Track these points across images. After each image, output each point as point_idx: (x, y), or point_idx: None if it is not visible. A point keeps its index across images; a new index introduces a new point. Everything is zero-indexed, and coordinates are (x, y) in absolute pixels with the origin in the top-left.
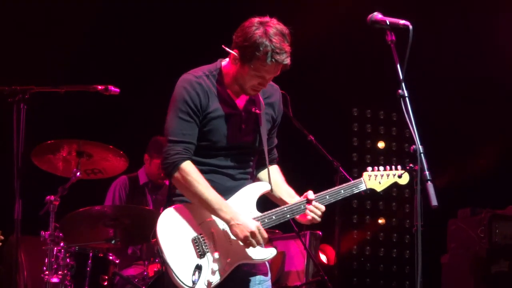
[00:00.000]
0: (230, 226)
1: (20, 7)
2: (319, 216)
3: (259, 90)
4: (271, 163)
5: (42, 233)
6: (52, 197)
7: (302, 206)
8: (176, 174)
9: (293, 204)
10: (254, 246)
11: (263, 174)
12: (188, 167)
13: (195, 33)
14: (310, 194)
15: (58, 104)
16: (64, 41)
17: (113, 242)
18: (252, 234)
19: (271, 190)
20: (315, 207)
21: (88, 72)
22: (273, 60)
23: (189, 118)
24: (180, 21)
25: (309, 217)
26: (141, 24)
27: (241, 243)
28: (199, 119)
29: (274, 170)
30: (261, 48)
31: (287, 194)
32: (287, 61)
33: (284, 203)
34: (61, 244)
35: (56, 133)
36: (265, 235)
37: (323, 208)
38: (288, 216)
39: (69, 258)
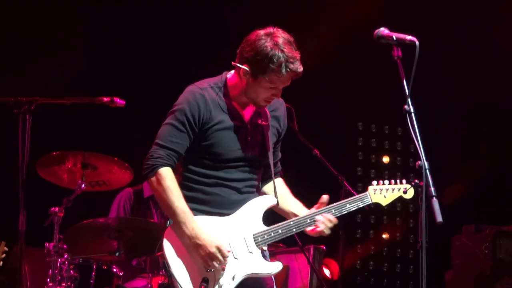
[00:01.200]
0: (191, 244)
1: (26, 18)
2: (330, 228)
3: (271, 101)
4: (275, 176)
5: (46, 244)
6: (57, 209)
7: (308, 220)
8: (153, 178)
9: (300, 218)
10: (213, 267)
11: (268, 187)
12: (165, 172)
13: (202, 45)
14: (324, 197)
15: (64, 115)
16: (70, 53)
17: (117, 254)
18: (210, 254)
19: (278, 203)
20: (326, 219)
21: (93, 83)
22: (288, 69)
23: (182, 128)
24: (186, 33)
25: (318, 229)
26: (147, 36)
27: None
28: (194, 132)
29: (279, 183)
30: (274, 60)
31: (297, 206)
32: (301, 68)
33: (294, 215)
34: (65, 255)
35: (61, 145)
36: (226, 255)
37: (334, 220)
38: (294, 230)
39: (73, 270)
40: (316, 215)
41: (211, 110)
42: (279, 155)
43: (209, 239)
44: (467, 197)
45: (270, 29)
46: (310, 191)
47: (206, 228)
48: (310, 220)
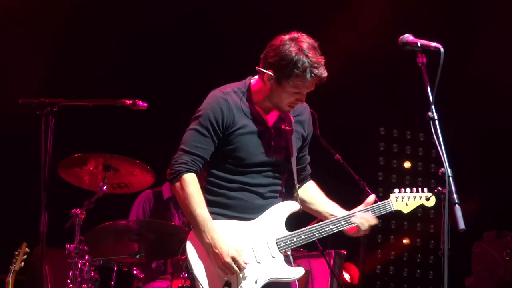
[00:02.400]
0: (210, 252)
1: (51, 22)
2: (369, 225)
3: (295, 106)
4: (306, 179)
5: (67, 246)
6: (78, 210)
7: (331, 226)
8: (177, 183)
9: (323, 224)
10: (230, 274)
11: (303, 191)
12: (189, 179)
13: (225, 49)
14: (371, 198)
15: (86, 117)
16: (94, 55)
17: (137, 256)
18: (226, 264)
19: (300, 209)
20: (364, 219)
21: (116, 86)
22: (312, 74)
23: (206, 133)
24: (209, 37)
25: (360, 223)
26: (171, 39)
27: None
28: (218, 137)
29: (312, 186)
30: (299, 65)
31: (333, 207)
32: (325, 73)
33: (332, 216)
34: (86, 257)
35: (84, 147)
36: (242, 266)
37: (373, 219)
38: (316, 235)
39: (94, 272)
40: (341, 220)
41: (234, 115)
42: (308, 158)
43: (226, 249)
44: (489, 203)
45: (295, 34)
46: (331, 196)
47: (228, 233)
48: (332, 226)
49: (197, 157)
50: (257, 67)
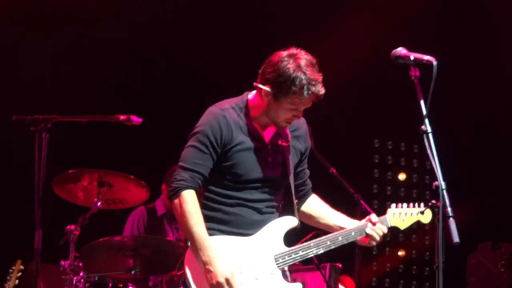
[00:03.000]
0: (204, 270)
1: (43, 36)
2: (380, 236)
3: (292, 122)
4: (308, 194)
5: (62, 262)
6: (73, 227)
7: (328, 242)
8: (176, 200)
9: (320, 240)
10: None
11: (306, 206)
12: (188, 196)
13: (218, 64)
14: (373, 217)
15: (80, 133)
16: (87, 71)
17: (132, 272)
18: (218, 284)
19: (299, 225)
20: (377, 229)
21: (110, 101)
22: (310, 92)
23: (205, 150)
24: (202, 51)
25: (371, 241)
26: (163, 55)
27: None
28: (217, 153)
29: (315, 201)
30: (297, 82)
31: (342, 219)
32: (323, 91)
33: (341, 228)
34: (81, 273)
35: (78, 163)
36: (235, 286)
37: (384, 229)
38: (314, 251)
39: None
40: (341, 235)
41: (233, 131)
42: (307, 172)
43: (221, 269)
44: (483, 214)
45: (293, 50)
46: None
47: (226, 249)
48: (330, 242)
49: (196, 174)
50: (254, 83)
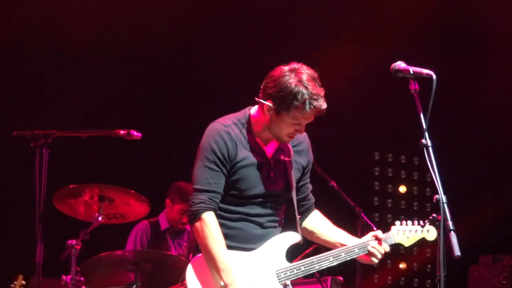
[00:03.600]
0: None
1: (42, 51)
2: (382, 255)
3: (294, 136)
4: (310, 208)
5: (63, 277)
6: (74, 241)
7: (331, 258)
8: (197, 224)
9: (322, 256)
10: None
11: (308, 222)
12: (209, 218)
13: (218, 78)
14: (379, 233)
15: (80, 148)
16: (87, 86)
17: (134, 287)
18: None
19: (301, 241)
20: (379, 247)
21: (110, 116)
22: (312, 106)
23: (216, 168)
24: (201, 66)
25: (372, 258)
26: (163, 69)
27: None
28: (226, 169)
29: (317, 217)
30: (298, 97)
31: (342, 236)
32: (325, 105)
33: (342, 245)
34: None
35: (78, 178)
36: None
37: (387, 248)
38: (316, 267)
39: None
40: (344, 251)
41: (237, 147)
42: (309, 187)
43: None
44: (484, 227)
45: (294, 65)
46: None
47: (230, 263)
48: (333, 258)
49: (213, 194)
50: (256, 98)
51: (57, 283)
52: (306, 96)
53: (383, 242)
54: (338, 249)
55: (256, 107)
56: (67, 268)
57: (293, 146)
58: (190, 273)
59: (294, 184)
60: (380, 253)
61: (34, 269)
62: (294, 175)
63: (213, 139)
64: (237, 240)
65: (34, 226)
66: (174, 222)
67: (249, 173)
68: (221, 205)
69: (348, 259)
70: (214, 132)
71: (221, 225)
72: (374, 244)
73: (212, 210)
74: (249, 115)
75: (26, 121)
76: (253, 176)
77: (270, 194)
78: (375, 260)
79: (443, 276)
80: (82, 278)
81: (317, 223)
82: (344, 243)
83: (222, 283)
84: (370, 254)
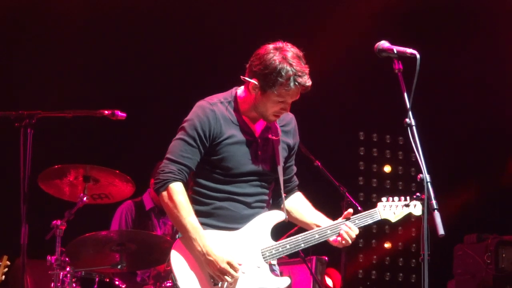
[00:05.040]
0: (203, 260)
1: (27, 31)
2: (352, 239)
3: (280, 115)
4: (293, 190)
5: (48, 257)
6: (59, 222)
7: (317, 235)
8: (164, 192)
9: (307, 233)
10: (225, 281)
11: (289, 202)
12: (176, 187)
13: (204, 59)
14: (350, 212)
15: (65, 129)
16: (71, 66)
17: (119, 267)
18: (222, 270)
19: (286, 219)
20: (349, 229)
21: (95, 96)
22: (296, 83)
23: (193, 143)
24: (188, 47)
25: (343, 241)
26: (149, 49)
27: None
28: (205, 147)
29: (299, 198)
30: (283, 73)
31: (319, 217)
32: (309, 82)
33: (317, 226)
34: (67, 268)
35: (63, 158)
36: (237, 269)
37: (356, 230)
38: (302, 245)
39: (75, 283)
40: (328, 229)
41: (222, 125)
42: (294, 169)
43: (220, 255)
44: (469, 206)
45: (279, 44)
46: (311, 202)
47: (215, 243)
48: (318, 235)
49: (184, 167)
50: (241, 76)
51: (42, 263)
52: (291, 73)
53: (352, 226)
54: (324, 227)
55: (242, 87)
56: (52, 248)
57: (281, 126)
58: (175, 256)
59: (281, 163)
60: (350, 237)
61: (19, 249)
62: (282, 154)
63: (196, 116)
64: (223, 220)
65: (19, 206)
66: (158, 201)
67: (236, 151)
68: (207, 184)
69: (334, 237)
70: (198, 109)
71: (207, 204)
72: (345, 228)
73: (180, 181)
74: (236, 94)
75: (10, 101)
76: (241, 154)
77: (258, 172)
78: (344, 242)
79: (426, 255)
80: (67, 259)
81: (296, 203)
82: (319, 225)
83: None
84: (340, 235)
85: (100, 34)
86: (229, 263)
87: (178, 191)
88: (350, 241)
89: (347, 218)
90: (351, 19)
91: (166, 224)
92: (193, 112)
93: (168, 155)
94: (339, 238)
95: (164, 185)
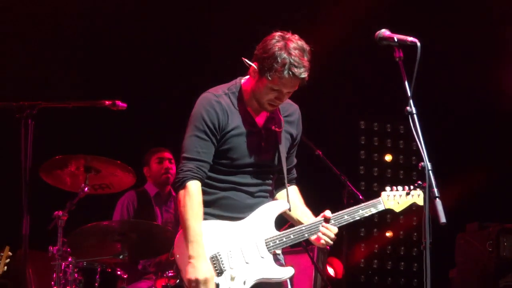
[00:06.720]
0: (187, 262)
1: (28, 22)
2: (332, 239)
3: (276, 105)
4: (290, 183)
5: (50, 248)
6: (60, 212)
7: (321, 227)
8: (181, 192)
9: (311, 224)
10: None
11: (281, 194)
12: (193, 188)
13: (206, 49)
14: (328, 213)
15: (66, 119)
16: (73, 56)
17: (121, 257)
18: (197, 281)
19: (290, 209)
20: (327, 229)
21: (96, 87)
22: (290, 72)
23: (205, 137)
24: (190, 37)
25: (322, 241)
26: (151, 41)
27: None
28: (216, 139)
29: (293, 191)
30: (279, 60)
31: (304, 215)
32: (304, 75)
33: (301, 224)
34: (69, 259)
35: (64, 149)
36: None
37: (335, 230)
38: (306, 235)
39: (77, 273)
40: (325, 221)
41: (228, 116)
42: (294, 160)
43: (204, 268)
44: (471, 194)
45: (287, 34)
46: (313, 192)
47: (216, 234)
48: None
49: (201, 163)
50: (243, 58)
51: (44, 254)
52: (286, 61)
53: (331, 225)
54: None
55: (247, 76)
56: (54, 239)
57: (285, 117)
58: (179, 246)
59: (284, 154)
60: (329, 237)
61: (21, 240)
62: (285, 144)
63: (203, 109)
64: (227, 210)
65: (21, 197)
66: (160, 180)
67: (240, 142)
68: (212, 174)
69: (307, 237)
70: (204, 102)
71: (211, 194)
72: (323, 229)
73: (198, 179)
74: (240, 84)
75: (11, 91)
76: (244, 145)
77: (261, 163)
78: (323, 242)
79: (428, 243)
80: (68, 249)
81: (289, 197)
82: (303, 223)
83: (213, 252)
84: (322, 235)
85: (101, 24)
86: (205, 280)
87: (192, 192)
88: (330, 242)
89: (327, 219)
90: (355, 3)
91: (168, 211)
92: (199, 105)
93: (184, 154)
94: (322, 241)
95: (183, 183)
